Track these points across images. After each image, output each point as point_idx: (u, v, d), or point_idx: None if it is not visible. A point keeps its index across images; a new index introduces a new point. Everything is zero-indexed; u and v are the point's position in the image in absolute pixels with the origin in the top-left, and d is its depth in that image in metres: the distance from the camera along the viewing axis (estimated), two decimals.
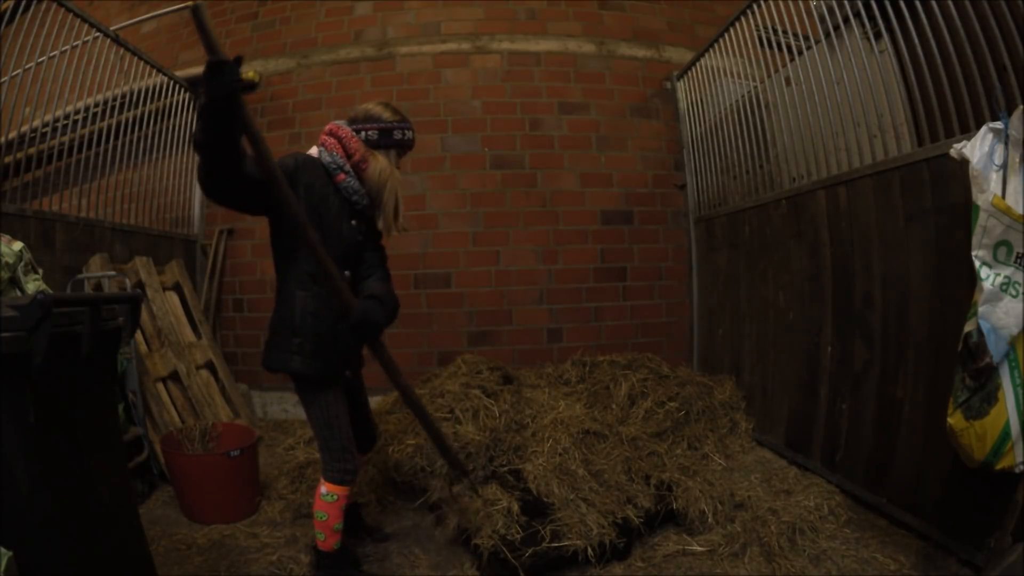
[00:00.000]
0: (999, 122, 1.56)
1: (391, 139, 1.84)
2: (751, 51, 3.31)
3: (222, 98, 1.40)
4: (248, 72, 4.21)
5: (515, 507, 2.16)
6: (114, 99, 3.42)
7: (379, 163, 1.83)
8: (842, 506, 2.28)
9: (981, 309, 1.53)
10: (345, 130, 1.83)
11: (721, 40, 3.56)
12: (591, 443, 2.68)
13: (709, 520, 2.23)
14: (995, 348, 1.51)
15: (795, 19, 2.86)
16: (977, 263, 1.55)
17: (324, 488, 1.88)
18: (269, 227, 1.85)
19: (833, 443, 2.57)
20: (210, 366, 3.41)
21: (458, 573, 2.05)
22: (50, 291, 1.87)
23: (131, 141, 3.59)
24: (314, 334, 1.77)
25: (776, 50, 3.13)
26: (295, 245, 1.76)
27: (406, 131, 1.87)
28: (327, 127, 1.86)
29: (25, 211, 2.74)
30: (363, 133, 1.83)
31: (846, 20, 2.57)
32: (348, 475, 1.88)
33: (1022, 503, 1.56)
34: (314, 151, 1.85)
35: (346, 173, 1.81)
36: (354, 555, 2.08)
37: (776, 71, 3.14)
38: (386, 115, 1.85)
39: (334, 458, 1.86)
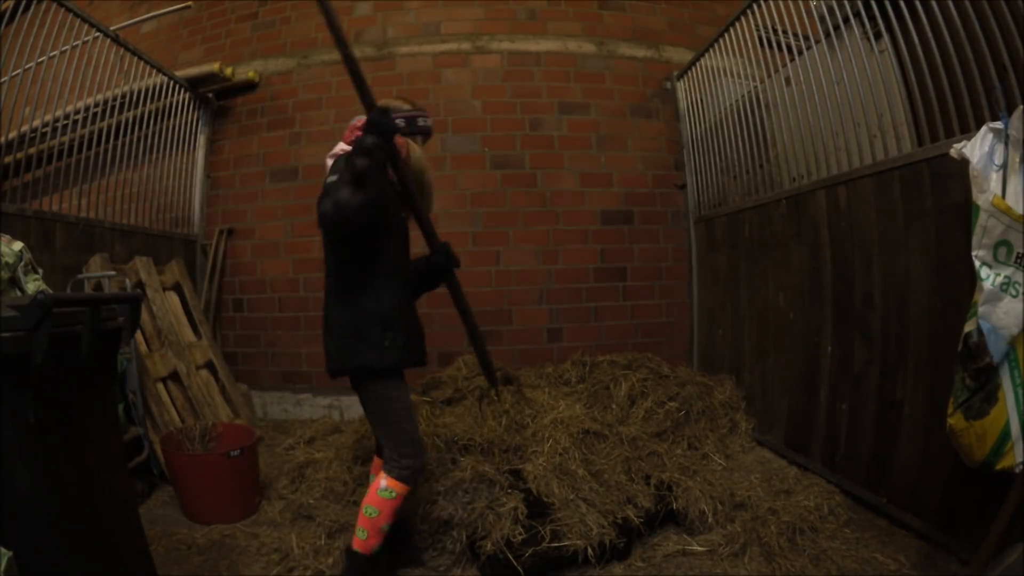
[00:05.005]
0: (999, 122, 1.56)
1: (416, 126, 1.96)
2: (751, 51, 3.31)
3: (389, 136, 1.69)
4: (248, 72, 4.22)
5: (522, 508, 2.15)
6: (114, 99, 3.42)
7: (416, 150, 1.93)
8: (842, 506, 2.28)
9: (981, 309, 1.53)
10: None
11: (721, 40, 3.56)
12: (591, 443, 2.67)
13: (709, 520, 2.23)
14: (995, 348, 1.51)
15: (795, 19, 2.85)
16: (977, 263, 1.54)
17: (384, 482, 1.78)
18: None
19: (833, 443, 2.57)
20: (210, 366, 3.41)
21: (459, 573, 2.05)
22: (50, 291, 1.87)
23: (131, 141, 3.59)
24: (404, 326, 1.82)
25: (776, 50, 3.13)
26: (384, 243, 1.82)
27: (427, 118, 2.00)
28: (360, 123, 1.83)
29: (25, 211, 2.74)
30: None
31: (846, 20, 2.57)
32: (416, 474, 1.82)
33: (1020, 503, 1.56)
34: (347, 147, 1.83)
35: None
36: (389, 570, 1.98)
37: (776, 71, 3.13)
38: (406, 105, 1.97)
39: (404, 453, 1.79)
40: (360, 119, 1.84)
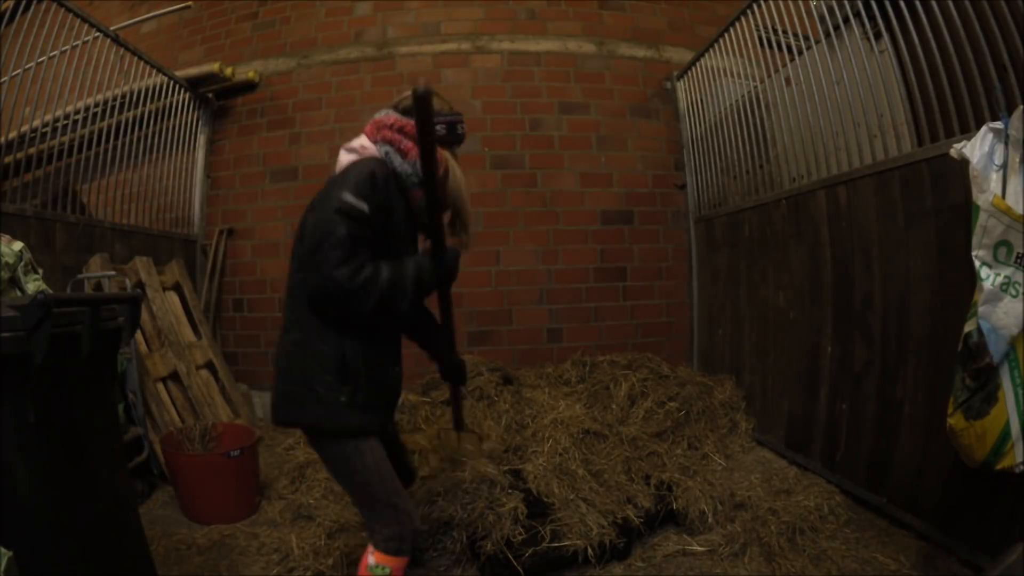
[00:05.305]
0: (999, 122, 1.56)
1: (455, 134, 1.59)
2: (751, 51, 3.31)
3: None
4: (248, 72, 4.22)
5: (522, 508, 2.15)
6: (114, 99, 3.42)
7: (455, 169, 1.56)
8: (842, 506, 2.28)
9: (981, 309, 1.53)
10: None
11: (721, 40, 3.56)
12: (591, 443, 2.68)
13: (709, 520, 2.23)
14: (995, 348, 1.51)
15: (795, 19, 2.85)
16: (977, 263, 1.55)
17: (373, 558, 1.47)
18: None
19: (833, 443, 2.57)
20: (210, 366, 3.41)
21: (459, 573, 2.05)
22: (50, 291, 1.87)
23: (131, 141, 3.59)
24: (369, 379, 1.45)
25: (776, 50, 3.13)
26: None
27: (463, 125, 1.62)
28: (389, 120, 1.50)
29: (25, 211, 2.74)
30: None
31: (846, 20, 2.57)
32: (404, 542, 1.48)
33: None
34: (371, 146, 1.49)
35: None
36: None
37: (776, 71, 3.14)
38: (445, 108, 1.58)
39: (384, 521, 1.47)
40: (391, 116, 1.51)
